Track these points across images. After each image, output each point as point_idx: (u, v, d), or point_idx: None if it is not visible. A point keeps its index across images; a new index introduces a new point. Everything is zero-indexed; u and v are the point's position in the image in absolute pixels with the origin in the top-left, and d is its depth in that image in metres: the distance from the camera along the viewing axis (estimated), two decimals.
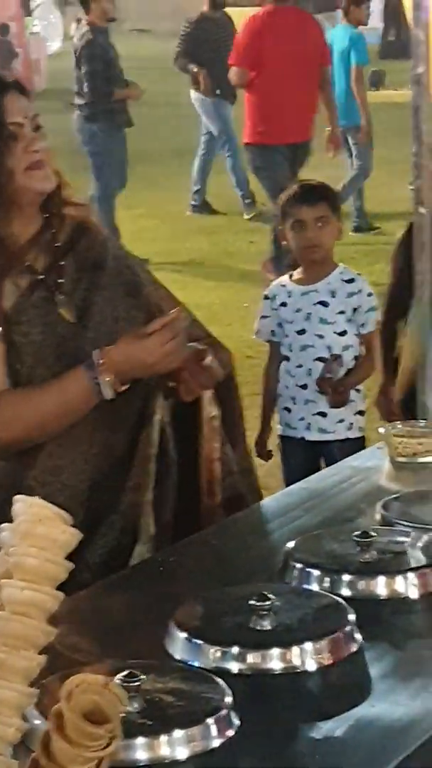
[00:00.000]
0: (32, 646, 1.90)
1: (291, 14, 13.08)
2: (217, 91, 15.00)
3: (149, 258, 11.70)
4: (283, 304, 6.01)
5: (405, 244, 5.76)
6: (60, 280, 3.59)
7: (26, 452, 3.55)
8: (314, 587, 3.03)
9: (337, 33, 15.37)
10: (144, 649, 2.72)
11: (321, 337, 5.88)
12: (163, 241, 14.64)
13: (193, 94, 15.70)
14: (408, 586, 3.02)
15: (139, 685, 2.41)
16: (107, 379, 3.41)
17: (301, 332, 5.91)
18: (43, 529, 1.94)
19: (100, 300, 3.62)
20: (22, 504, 1.99)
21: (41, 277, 3.57)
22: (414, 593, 3.02)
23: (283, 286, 6.11)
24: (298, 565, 3.11)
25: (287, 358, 5.99)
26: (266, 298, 6.19)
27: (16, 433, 3.48)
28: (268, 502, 3.88)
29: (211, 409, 3.75)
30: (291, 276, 6.13)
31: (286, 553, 3.18)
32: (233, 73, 12.91)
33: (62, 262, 3.61)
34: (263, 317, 6.09)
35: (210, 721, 2.41)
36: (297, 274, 6.09)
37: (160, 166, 16.76)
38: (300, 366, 5.92)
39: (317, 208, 5.87)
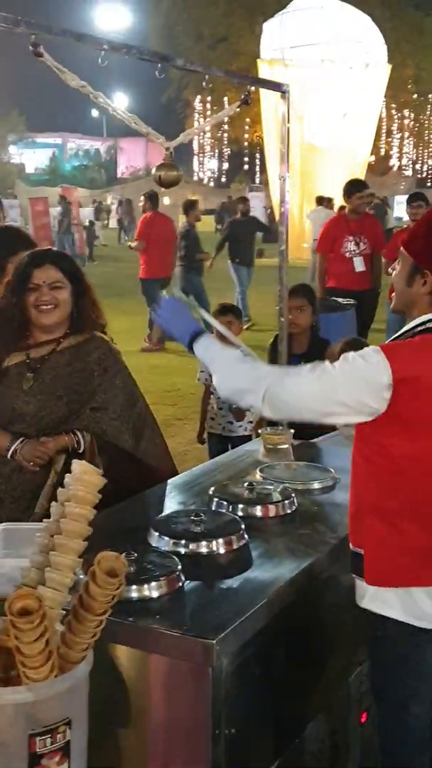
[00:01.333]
0: (80, 536, 1.91)
1: (162, 216, 13.56)
2: (237, 260, 14.93)
3: None
4: None
5: (272, 347, 5.45)
6: (37, 366, 3.39)
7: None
8: (223, 511, 3.01)
9: None
10: (137, 541, 2.72)
11: None
12: None
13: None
14: (271, 510, 3.03)
15: (134, 558, 2.45)
16: (11, 454, 3.27)
17: None
18: (86, 476, 1.95)
19: (48, 380, 3.38)
20: (76, 464, 2.00)
21: (28, 360, 3.39)
22: (274, 514, 3.02)
23: None
24: (216, 500, 3.09)
25: (213, 394, 5.85)
26: None
27: None
28: (200, 467, 3.85)
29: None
30: None
31: (210, 494, 3.16)
32: (137, 244, 13.21)
33: (47, 357, 3.40)
34: (201, 371, 5.95)
35: (169, 577, 2.44)
36: None
37: None
38: (219, 398, 5.76)
39: (227, 316, 5.85)
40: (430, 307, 2.55)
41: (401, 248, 2.64)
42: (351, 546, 2.61)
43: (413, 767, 2.67)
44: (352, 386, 2.45)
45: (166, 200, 44.23)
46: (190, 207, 14.41)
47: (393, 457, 2.49)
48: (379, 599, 2.54)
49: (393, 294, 2.72)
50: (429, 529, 2.49)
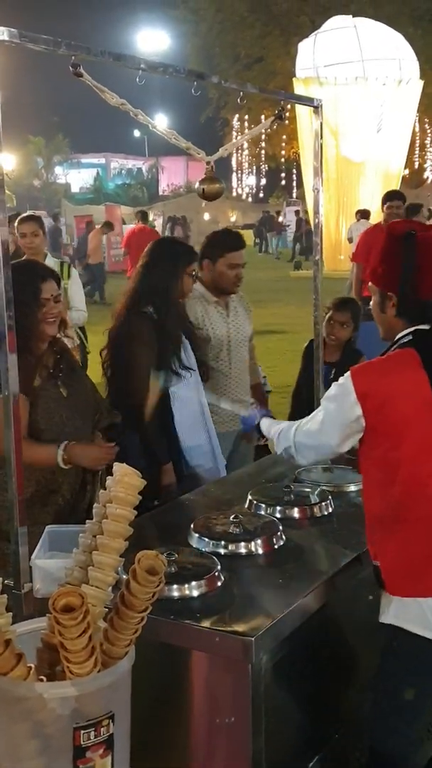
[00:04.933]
0: (121, 536, 1.92)
1: (147, 228, 14.82)
2: None
3: None
4: None
5: (306, 353, 5.13)
6: (60, 374, 3.46)
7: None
8: (262, 513, 3.02)
9: None
10: (177, 542, 2.73)
11: None
12: None
13: None
14: (309, 511, 3.03)
15: (174, 558, 2.47)
16: (63, 458, 3.26)
17: None
18: (127, 478, 1.96)
19: (75, 386, 3.49)
20: (117, 466, 2.00)
21: (51, 371, 3.44)
22: (311, 515, 3.02)
23: None
24: (255, 502, 3.10)
25: None
26: None
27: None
28: (239, 471, 3.85)
29: None
30: None
31: (249, 496, 3.17)
32: (124, 251, 15.00)
33: (60, 366, 3.48)
34: None
35: (209, 576, 2.45)
36: None
37: None
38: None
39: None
40: (404, 327, 2.63)
41: (369, 284, 2.78)
42: (371, 559, 2.62)
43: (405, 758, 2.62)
44: (333, 413, 2.63)
45: (206, 216, 44.45)
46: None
47: (381, 466, 2.55)
48: (399, 612, 2.53)
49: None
50: (424, 533, 2.50)
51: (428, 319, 2.62)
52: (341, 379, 2.62)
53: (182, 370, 4.00)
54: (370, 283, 2.78)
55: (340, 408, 2.60)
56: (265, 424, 3.14)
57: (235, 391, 4.35)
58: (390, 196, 9.27)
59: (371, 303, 2.78)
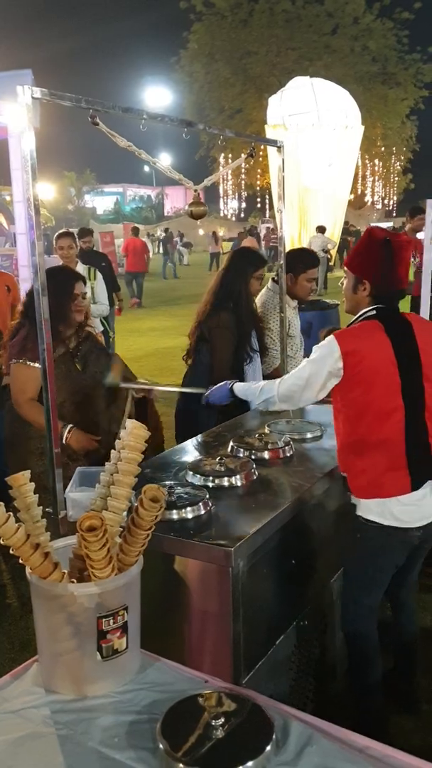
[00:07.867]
0: (132, 474, 1.92)
1: (138, 239, 14.34)
2: None
3: None
4: None
5: None
6: (78, 353, 3.45)
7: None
8: (240, 455, 3.01)
9: None
10: (178, 477, 2.71)
11: None
12: None
13: None
14: (275, 454, 3.01)
15: (173, 490, 2.46)
16: (67, 438, 3.18)
17: None
18: (136, 430, 1.96)
19: (90, 364, 3.45)
20: (129, 421, 2.00)
21: (71, 350, 3.44)
22: (277, 457, 3.01)
23: None
24: (235, 447, 3.08)
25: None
26: None
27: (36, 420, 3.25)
28: (223, 424, 3.83)
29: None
30: None
31: (231, 443, 3.16)
32: (122, 255, 15.09)
33: (80, 347, 3.47)
34: None
35: (200, 504, 2.45)
36: None
37: None
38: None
39: None
40: (368, 305, 2.70)
41: (344, 267, 2.78)
42: (341, 472, 2.75)
43: (366, 631, 2.78)
44: (318, 365, 2.66)
45: (200, 231, 44.20)
46: None
47: (353, 405, 2.63)
48: (366, 509, 2.66)
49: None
50: (383, 453, 2.60)
51: (389, 302, 2.69)
52: (324, 342, 2.64)
53: (252, 352, 4.01)
54: (344, 268, 2.77)
55: (324, 364, 2.62)
56: (239, 386, 3.10)
57: None
58: (416, 210, 8.75)
59: (344, 284, 2.79)
